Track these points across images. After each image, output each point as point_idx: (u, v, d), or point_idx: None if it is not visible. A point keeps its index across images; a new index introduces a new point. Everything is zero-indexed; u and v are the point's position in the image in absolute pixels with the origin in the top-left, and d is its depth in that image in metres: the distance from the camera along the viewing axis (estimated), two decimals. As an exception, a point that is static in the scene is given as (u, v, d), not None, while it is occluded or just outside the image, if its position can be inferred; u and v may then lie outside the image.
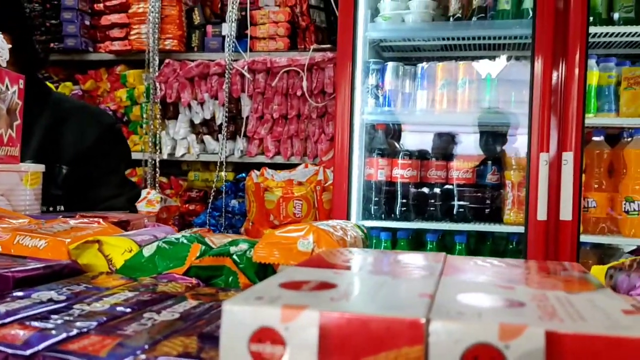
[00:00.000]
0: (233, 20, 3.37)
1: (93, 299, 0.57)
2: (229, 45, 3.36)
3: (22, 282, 0.62)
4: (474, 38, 2.72)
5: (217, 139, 3.46)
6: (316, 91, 3.21)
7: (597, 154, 2.49)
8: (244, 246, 0.74)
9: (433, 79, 2.62)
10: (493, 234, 2.77)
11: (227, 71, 3.32)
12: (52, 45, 3.64)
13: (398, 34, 2.73)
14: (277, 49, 3.39)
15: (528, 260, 0.60)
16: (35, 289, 0.59)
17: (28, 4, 3.65)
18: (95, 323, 0.49)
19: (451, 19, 2.59)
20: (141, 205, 3.08)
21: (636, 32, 2.44)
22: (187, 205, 3.55)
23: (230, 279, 0.72)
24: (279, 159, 3.36)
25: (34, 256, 0.74)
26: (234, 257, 0.72)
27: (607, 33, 2.47)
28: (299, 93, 3.22)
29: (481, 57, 2.70)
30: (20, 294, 0.57)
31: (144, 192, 3.25)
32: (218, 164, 3.41)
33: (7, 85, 1.16)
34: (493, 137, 2.76)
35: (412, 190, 2.63)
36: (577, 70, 2.23)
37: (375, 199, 2.62)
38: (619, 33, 2.47)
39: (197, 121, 3.47)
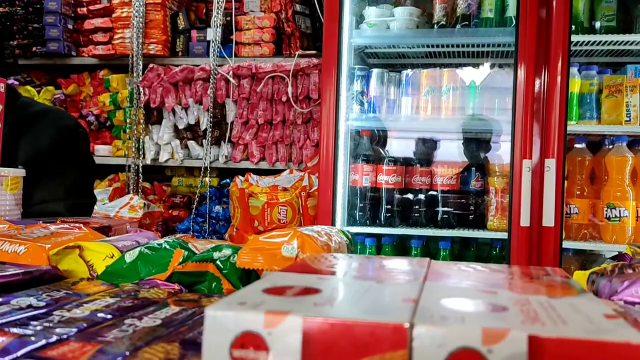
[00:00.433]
0: (218, 25, 3.37)
1: (73, 305, 0.56)
2: (214, 51, 3.35)
3: (1, 288, 0.61)
4: (457, 45, 2.74)
5: (201, 144, 3.44)
6: (301, 97, 3.21)
7: (579, 160, 2.52)
8: (227, 252, 0.73)
9: (417, 86, 2.64)
10: (477, 240, 2.78)
11: (211, 76, 3.31)
12: (34, 49, 3.60)
13: (383, 41, 2.74)
14: (262, 54, 3.39)
15: (511, 265, 0.61)
16: (14, 295, 0.58)
17: (10, 8, 3.61)
18: (75, 329, 0.48)
19: (435, 26, 2.61)
20: (124, 211, 3.05)
21: (617, 41, 2.48)
22: (170, 211, 3.53)
23: (213, 285, 0.71)
24: (264, 165, 3.35)
25: (14, 262, 0.73)
26: (218, 262, 0.72)
27: (588, 41, 2.51)
28: (284, 99, 3.22)
29: (465, 65, 2.72)
30: (-2, 300, 0.56)
31: (126, 198, 3.21)
32: (202, 169, 3.39)
33: (-13, 89, 1.14)
34: (477, 144, 2.78)
35: (397, 196, 2.64)
36: (559, 78, 2.26)
37: (360, 205, 2.62)
38: (600, 41, 2.50)
39: (181, 126, 3.45)
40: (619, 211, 2.40)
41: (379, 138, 2.86)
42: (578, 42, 2.50)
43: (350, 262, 0.58)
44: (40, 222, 0.97)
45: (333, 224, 2.49)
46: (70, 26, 3.62)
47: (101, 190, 3.46)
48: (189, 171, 3.70)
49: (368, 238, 2.60)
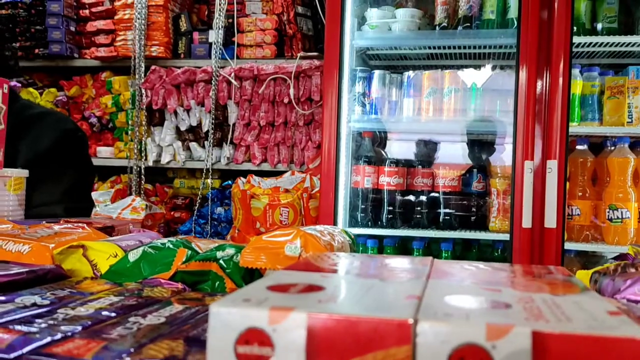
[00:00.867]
0: (220, 27, 3.37)
1: (77, 303, 0.56)
2: (216, 52, 3.36)
3: (5, 286, 0.62)
4: (459, 47, 2.74)
5: (203, 146, 3.45)
6: (303, 98, 3.21)
7: (581, 162, 2.52)
8: (230, 251, 0.73)
9: (419, 88, 2.64)
10: (479, 242, 2.78)
11: (213, 78, 3.32)
12: (37, 51, 3.61)
13: (385, 43, 2.75)
14: (264, 56, 3.40)
15: (513, 264, 0.61)
16: (19, 294, 0.58)
17: (13, 10, 3.62)
18: (80, 327, 0.48)
19: (437, 28, 2.61)
20: (126, 213, 3.05)
21: (619, 42, 2.48)
22: (172, 213, 3.53)
23: (216, 284, 0.71)
24: (266, 166, 3.36)
25: (18, 261, 0.73)
26: (221, 262, 0.72)
27: (590, 43, 2.51)
28: (286, 100, 3.22)
29: (467, 66, 2.72)
30: (3, 298, 0.56)
31: (128, 199, 3.21)
32: (204, 171, 3.40)
33: (-9, 90, 1.15)
34: (479, 146, 2.78)
35: (399, 197, 2.64)
36: (561, 80, 2.26)
37: (362, 206, 2.62)
38: (602, 43, 2.50)
39: (183, 128, 3.46)
40: (621, 212, 2.39)
41: (381, 139, 2.86)
42: (580, 43, 2.50)
43: (353, 260, 0.58)
44: (44, 222, 0.97)
45: (335, 225, 2.49)
46: (72, 28, 3.63)
47: (103, 192, 3.44)
48: (191, 173, 3.70)
49: (370, 239, 2.60)
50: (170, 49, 3.56)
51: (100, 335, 0.46)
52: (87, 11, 3.64)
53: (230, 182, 3.33)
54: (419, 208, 2.65)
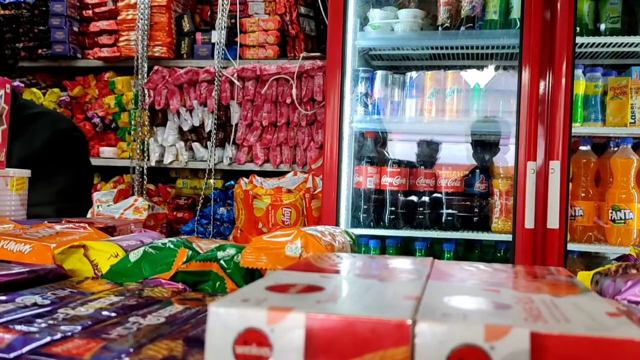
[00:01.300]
0: (223, 27, 3.38)
1: (78, 303, 0.56)
2: (219, 53, 3.36)
3: (6, 286, 0.62)
4: (462, 47, 2.74)
5: (205, 146, 3.45)
6: (305, 99, 3.21)
7: (584, 163, 2.52)
8: (231, 251, 0.73)
9: (422, 88, 2.64)
10: (481, 242, 2.78)
11: (216, 78, 3.32)
12: (40, 51, 3.62)
13: (387, 43, 2.75)
14: (267, 56, 3.40)
15: (515, 265, 0.61)
16: (19, 293, 0.59)
17: (16, 10, 3.63)
18: (79, 327, 0.48)
19: (440, 28, 2.61)
20: (128, 213, 3.06)
21: (622, 43, 2.47)
22: (175, 213, 3.53)
23: (217, 284, 0.71)
24: (268, 167, 3.36)
25: (19, 261, 0.73)
26: (221, 262, 0.72)
27: (593, 43, 2.50)
28: (288, 101, 3.22)
29: (469, 67, 2.72)
30: (3, 298, 0.56)
31: (131, 200, 3.22)
32: (207, 171, 3.40)
33: (-7, 90, 1.15)
34: (481, 146, 2.77)
35: (401, 198, 2.63)
36: (564, 80, 2.26)
37: (364, 206, 2.62)
38: (605, 43, 2.50)
39: (185, 128, 3.46)
40: (624, 213, 2.39)
41: (383, 140, 2.86)
42: (583, 44, 2.50)
43: (353, 261, 0.58)
44: (46, 222, 0.97)
45: (337, 225, 2.49)
46: (75, 29, 3.64)
47: (106, 192, 3.46)
48: (194, 173, 3.71)
49: (372, 240, 2.60)
50: (172, 50, 3.57)
51: (100, 335, 0.46)
52: (90, 12, 3.65)
53: (232, 182, 3.33)
54: (421, 208, 2.65)
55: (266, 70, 3.24)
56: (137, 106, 3.49)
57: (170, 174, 3.81)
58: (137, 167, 3.51)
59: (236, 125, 3.37)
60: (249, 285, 0.43)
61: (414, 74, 2.65)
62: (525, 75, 2.28)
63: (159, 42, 3.51)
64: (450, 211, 2.62)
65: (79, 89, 3.72)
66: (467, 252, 2.78)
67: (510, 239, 2.34)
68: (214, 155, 3.38)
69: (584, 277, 0.71)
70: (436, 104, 2.61)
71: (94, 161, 3.41)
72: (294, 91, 3.19)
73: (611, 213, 2.42)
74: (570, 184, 2.37)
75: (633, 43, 2.47)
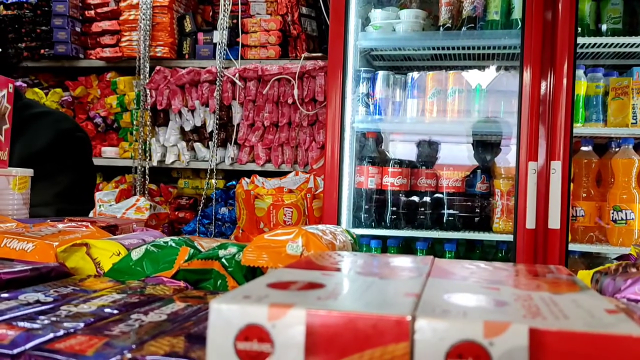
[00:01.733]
0: (224, 28, 3.38)
1: (80, 300, 0.56)
2: (220, 53, 3.37)
3: (9, 284, 0.62)
4: (463, 48, 2.74)
5: (207, 146, 3.46)
6: (307, 99, 3.22)
7: (585, 163, 2.52)
8: (232, 250, 0.74)
9: (423, 88, 2.64)
10: (482, 242, 2.78)
11: (218, 78, 3.33)
12: (42, 51, 3.63)
13: (389, 43, 2.75)
14: (269, 57, 3.40)
15: (515, 264, 0.61)
16: (22, 291, 0.59)
17: (18, 10, 3.64)
18: (82, 324, 0.48)
19: (441, 28, 2.61)
20: (130, 212, 3.06)
21: (623, 43, 2.47)
22: (176, 213, 3.54)
23: (218, 282, 0.72)
24: (270, 167, 3.36)
25: (22, 259, 0.73)
26: (223, 260, 0.72)
27: (595, 44, 2.50)
28: (290, 101, 3.23)
29: (471, 67, 2.72)
30: (6, 295, 0.57)
31: (133, 199, 3.23)
32: (208, 171, 3.40)
33: (-4, 89, 1.15)
34: (483, 146, 2.77)
35: (402, 198, 2.64)
36: (565, 81, 2.26)
37: (366, 206, 2.62)
38: (606, 44, 2.50)
39: (187, 128, 3.47)
40: (626, 214, 2.39)
41: (385, 140, 2.87)
42: (584, 44, 2.50)
43: (354, 259, 0.58)
44: (48, 220, 0.98)
45: (338, 225, 2.49)
46: (78, 29, 3.64)
47: (108, 192, 3.47)
48: (195, 173, 3.71)
49: (373, 240, 2.60)
50: (174, 50, 3.57)
51: (102, 331, 0.46)
52: (92, 12, 3.65)
53: (234, 182, 3.34)
54: (422, 209, 2.65)
55: (268, 71, 3.24)
56: (139, 106, 3.50)
57: (172, 174, 3.82)
58: (139, 167, 3.52)
59: (238, 125, 3.38)
60: (251, 282, 0.43)
61: (415, 74, 2.65)
62: (527, 75, 2.29)
63: (161, 42, 3.51)
64: (451, 211, 2.62)
65: (81, 89, 3.73)
66: (468, 252, 2.78)
67: (512, 239, 2.35)
68: (216, 155, 3.39)
69: (584, 276, 0.71)
70: (437, 104, 2.61)
71: (96, 161, 3.41)
72: (295, 91, 3.19)
73: (612, 213, 2.42)
74: (572, 184, 2.37)
75: (634, 43, 2.47)
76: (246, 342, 0.36)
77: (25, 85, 3.70)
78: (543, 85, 2.29)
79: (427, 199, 2.65)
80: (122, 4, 3.59)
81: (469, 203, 2.62)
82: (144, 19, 3.46)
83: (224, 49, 3.38)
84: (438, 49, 2.76)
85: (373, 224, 2.61)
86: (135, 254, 0.74)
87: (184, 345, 0.44)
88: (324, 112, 3.09)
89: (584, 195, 2.52)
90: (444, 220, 2.62)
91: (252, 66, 3.29)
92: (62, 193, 1.65)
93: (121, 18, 3.60)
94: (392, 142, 2.96)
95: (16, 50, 3.53)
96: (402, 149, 2.98)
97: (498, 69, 2.66)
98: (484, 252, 2.77)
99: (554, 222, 2.25)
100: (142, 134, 3.49)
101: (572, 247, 2.41)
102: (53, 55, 3.61)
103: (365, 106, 2.66)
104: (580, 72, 2.48)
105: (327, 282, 0.44)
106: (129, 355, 0.41)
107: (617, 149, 2.46)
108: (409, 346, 0.34)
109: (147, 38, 3.48)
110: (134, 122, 3.56)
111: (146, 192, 3.53)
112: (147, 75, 3.47)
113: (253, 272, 0.72)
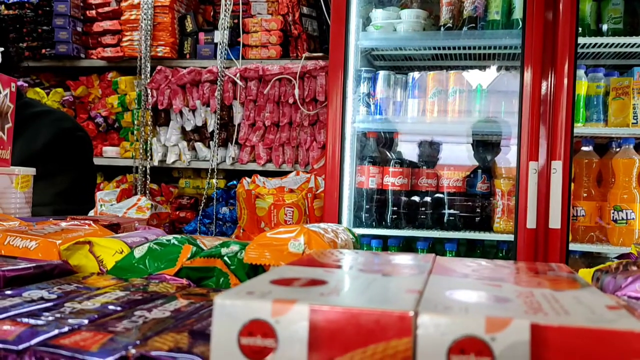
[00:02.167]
0: (225, 27, 3.39)
1: (84, 297, 0.57)
2: (221, 53, 3.37)
3: (13, 281, 0.62)
4: (464, 48, 2.74)
5: (208, 146, 3.46)
6: (308, 99, 3.22)
7: (586, 163, 2.52)
8: (235, 248, 0.74)
9: (424, 88, 2.64)
10: (483, 242, 2.78)
11: (219, 78, 3.33)
12: (43, 51, 3.63)
13: (389, 43, 2.75)
14: (270, 56, 3.41)
15: (516, 261, 0.61)
16: (26, 288, 0.59)
17: (20, 10, 3.65)
18: (86, 320, 0.49)
19: (442, 28, 2.62)
20: (131, 212, 3.07)
21: (624, 43, 2.48)
22: (177, 213, 3.54)
23: (221, 280, 0.72)
24: (271, 167, 3.36)
25: (25, 257, 0.74)
26: (225, 258, 0.72)
27: (595, 44, 2.51)
28: (290, 101, 3.23)
29: (472, 67, 2.73)
30: (10, 292, 0.57)
31: (134, 199, 3.23)
32: (209, 171, 3.41)
33: (-2, 88, 1.16)
34: (483, 146, 2.78)
35: (403, 198, 2.64)
36: (566, 80, 2.26)
37: (367, 206, 2.62)
38: (607, 44, 2.50)
39: (188, 128, 3.47)
40: (626, 213, 2.39)
41: (385, 140, 2.87)
42: (585, 44, 2.50)
43: (356, 257, 0.59)
44: (51, 219, 0.98)
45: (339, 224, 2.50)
46: (79, 29, 3.65)
47: (109, 192, 3.48)
48: (196, 173, 3.72)
49: (374, 240, 2.60)
50: (176, 50, 3.58)
51: (107, 328, 0.47)
52: (93, 12, 3.66)
53: (235, 182, 3.34)
54: (423, 208, 2.65)
55: (269, 70, 3.25)
56: (140, 106, 3.50)
57: (173, 174, 3.82)
58: (140, 167, 3.52)
59: (239, 125, 3.38)
60: (254, 279, 0.43)
61: (416, 74, 2.66)
62: (528, 75, 2.29)
63: (162, 42, 3.52)
64: (452, 211, 2.62)
65: (82, 89, 3.74)
66: (469, 252, 2.78)
67: (512, 239, 2.35)
68: (217, 155, 3.39)
69: (585, 274, 0.71)
70: (438, 104, 2.61)
71: (97, 161, 3.42)
72: (296, 91, 3.20)
73: (613, 213, 2.42)
74: (572, 184, 2.37)
75: (635, 43, 2.48)
76: (250, 337, 0.36)
77: (27, 85, 3.71)
78: (544, 85, 2.29)
79: (427, 198, 2.65)
80: (124, 4, 3.60)
81: (470, 203, 2.63)
82: (145, 19, 3.46)
83: (225, 49, 3.39)
84: (439, 49, 2.76)
85: (374, 223, 2.62)
86: (138, 252, 0.75)
87: (187, 341, 0.44)
88: (324, 112, 3.10)
89: (585, 195, 2.52)
90: (445, 220, 2.62)
91: (253, 66, 3.29)
92: (62, 193, 1.64)
93: (122, 18, 3.60)
94: (393, 142, 2.95)
95: (17, 50, 3.54)
96: (403, 149, 2.99)
97: (499, 69, 2.66)
98: (485, 252, 2.77)
99: (555, 221, 2.25)
100: (143, 133, 3.50)
101: (573, 246, 2.41)
102: (54, 55, 3.61)
103: (366, 106, 2.66)
104: (581, 72, 2.48)
105: (329, 278, 0.44)
106: (133, 351, 0.41)
107: (617, 149, 2.46)
108: (411, 341, 0.35)
109: (148, 38, 3.48)
110: (135, 122, 3.56)
111: (147, 191, 3.53)
112: (148, 75, 3.47)
113: (255, 270, 0.72)
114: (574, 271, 0.56)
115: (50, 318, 0.49)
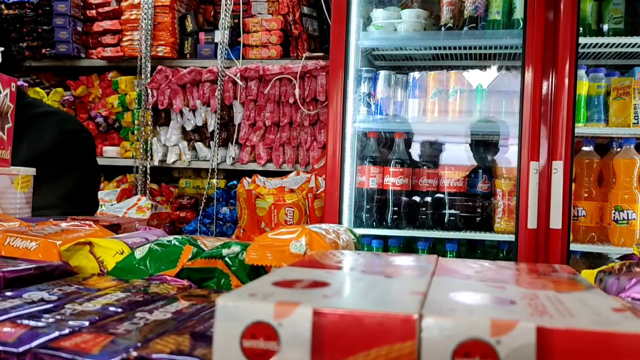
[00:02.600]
0: (226, 27, 3.38)
1: (85, 299, 0.56)
2: (222, 53, 3.37)
3: (13, 282, 0.62)
4: (465, 48, 2.74)
5: (208, 146, 3.46)
6: (308, 99, 3.22)
7: (587, 163, 2.51)
8: (236, 248, 0.74)
9: (424, 88, 2.64)
10: (484, 242, 2.78)
11: (219, 78, 3.33)
12: (44, 51, 3.63)
13: (390, 43, 2.75)
14: (270, 56, 3.41)
15: (519, 262, 0.61)
16: (26, 289, 0.59)
17: (20, 10, 3.64)
18: (87, 322, 0.48)
19: (443, 28, 2.61)
20: (131, 212, 3.07)
21: (625, 43, 2.47)
22: (177, 213, 3.54)
23: (222, 281, 0.72)
24: (271, 167, 3.36)
25: (25, 257, 0.73)
26: (226, 259, 0.72)
27: (596, 44, 2.50)
28: (291, 101, 3.23)
29: (472, 67, 2.72)
30: (11, 293, 0.57)
31: (134, 199, 3.23)
32: (209, 171, 3.40)
33: (-1, 88, 1.15)
34: (484, 146, 2.77)
35: (404, 198, 2.63)
36: (567, 80, 2.26)
37: (367, 206, 2.62)
38: (608, 44, 2.50)
39: (188, 128, 3.47)
40: (627, 214, 2.39)
41: (386, 140, 2.86)
42: (586, 44, 2.50)
43: (358, 258, 0.58)
44: (51, 219, 0.98)
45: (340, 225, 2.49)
46: (79, 28, 3.65)
47: (109, 191, 3.48)
48: (197, 173, 3.71)
49: (375, 240, 2.60)
50: (176, 49, 3.57)
51: (108, 330, 0.46)
52: (93, 11, 3.66)
53: (235, 182, 3.34)
54: (424, 208, 2.65)
55: (269, 70, 3.24)
56: (141, 106, 3.50)
57: (173, 174, 3.82)
58: (140, 167, 3.52)
59: (239, 125, 3.38)
60: (256, 280, 0.43)
61: (416, 74, 2.65)
62: (528, 75, 2.28)
63: (163, 42, 3.51)
64: (452, 211, 2.62)
65: (83, 89, 3.73)
66: (469, 252, 2.78)
67: (513, 239, 2.34)
68: (217, 155, 3.39)
69: (588, 275, 0.71)
70: (439, 104, 2.61)
71: (98, 160, 3.42)
72: (296, 91, 3.19)
73: (614, 213, 2.42)
74: (573, 184, 2.37)
75: (636, 43, 2.47)
76: (252, 340, 0.36)
77: (27, 84, 3.70)
78: (545, 85, 2.29)
79: (428, 198, 2.65)
80: (124, 4, 3.60)
81: (471, 203, 2.62)
82: (145, 19, 3.46)
83: (226, 49, 3.38)
84: (439, 48, 2.76)
85: (374, 223, 2.61)
86: (139, 253, 0.74)
87: (189, 344, 0.44)
88: (325, 111, 3.10)
89: (586, 195, 2.51)
90: (446, 220, 2.62)
91: (254, 66, 3.29)
92: (66, 196, 1.62)
93: (122, 18, 3.60)
94: (394, 142, 2.95)
95: (18, 50, 3.54)
96: (403, 149, 2.98)
97: (499, 68, 2.66)
98: (486, 252, 2.77)
99: (556, 222, 2.25)
100: (143, 133, 3.49)
101: (574, 247, 2.41)
102: (54, 55, 3.61)
103: (367, 106, 2.66)
104: (581, 72, 2.48)
105: (332, 280, 0.44)
106: (134, 354, 0.41)
107: (618, 149, 2.46)
108: (415, 344, 0.34)
109: (149, 38, 3.48)
110: (135, 122, 3.56)
111: (147, 191, 3.53)
112: (149, 75, 3.47)
113: (256, 271, 0.72)
114: (577, 272, 0.55)
115: (51, 320, 0.48)
